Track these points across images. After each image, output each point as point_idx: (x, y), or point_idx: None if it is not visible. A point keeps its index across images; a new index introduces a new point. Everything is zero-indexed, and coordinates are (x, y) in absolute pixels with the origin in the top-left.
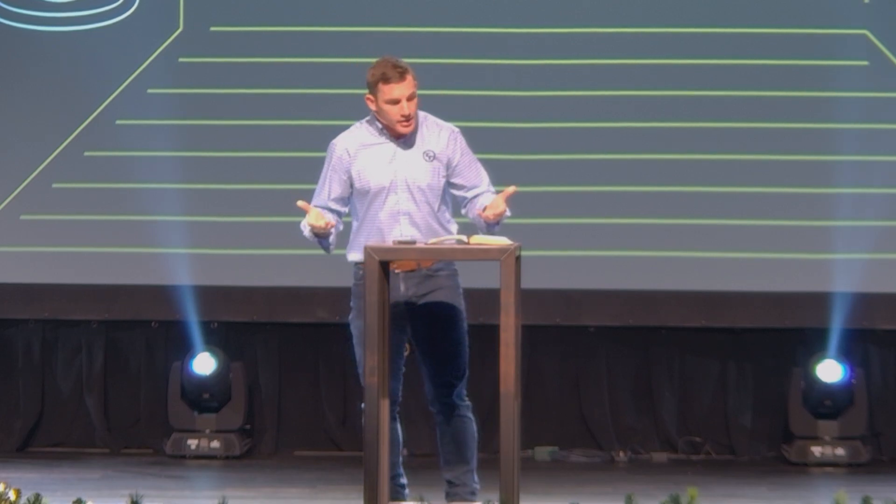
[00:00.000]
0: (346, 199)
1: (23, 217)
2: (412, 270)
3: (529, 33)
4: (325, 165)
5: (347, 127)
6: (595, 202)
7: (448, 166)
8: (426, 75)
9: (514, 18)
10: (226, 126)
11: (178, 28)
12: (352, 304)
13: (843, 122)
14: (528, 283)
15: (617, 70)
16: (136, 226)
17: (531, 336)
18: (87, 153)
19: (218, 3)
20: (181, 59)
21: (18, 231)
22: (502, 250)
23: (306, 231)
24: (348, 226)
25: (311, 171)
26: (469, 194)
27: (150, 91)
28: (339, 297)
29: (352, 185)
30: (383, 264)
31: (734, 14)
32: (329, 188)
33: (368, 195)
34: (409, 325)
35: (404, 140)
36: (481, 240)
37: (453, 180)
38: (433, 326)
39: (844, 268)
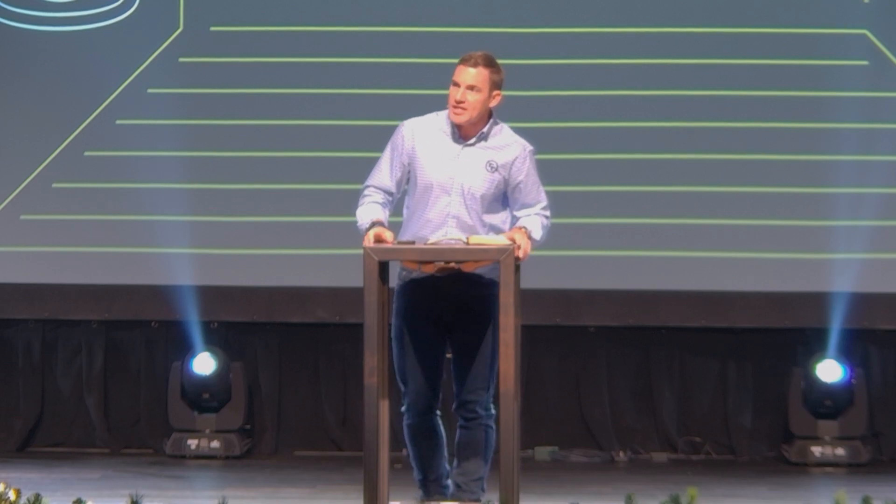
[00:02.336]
0: (403, 185)
1: (23, 217)
2: (451, 272)
3: (529, 33)
4: (389, 146)
5: (347, 127)
6: (595, 202)
7: (507, 182)
8: (426, 75)
9: (513, 18)
10: (226, 126)
11: (178, 28)
12: (394, 301)
13: (843, 122)
14: (528, 283)
15: (617, 70)
16: (136, 226)
17: (531, 336)
18: (87, 153)
19: (218, 3)
20: (181, 59)
21: (18, 231)
22: (501, 250)
23: (364, 225)
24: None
25: (311, 170)
26: (519, 213)
27: (150, 91)
28: (339, 297)
29: (409, 172)
30: (382, 264)
31: (734, 14)
32: (391, 170)
33: (421, 189)
34: (449, 326)
35: (471, 143)
36: (480, 240)
37: (509, 194)
38: (471, 334)
39: (844, 268)
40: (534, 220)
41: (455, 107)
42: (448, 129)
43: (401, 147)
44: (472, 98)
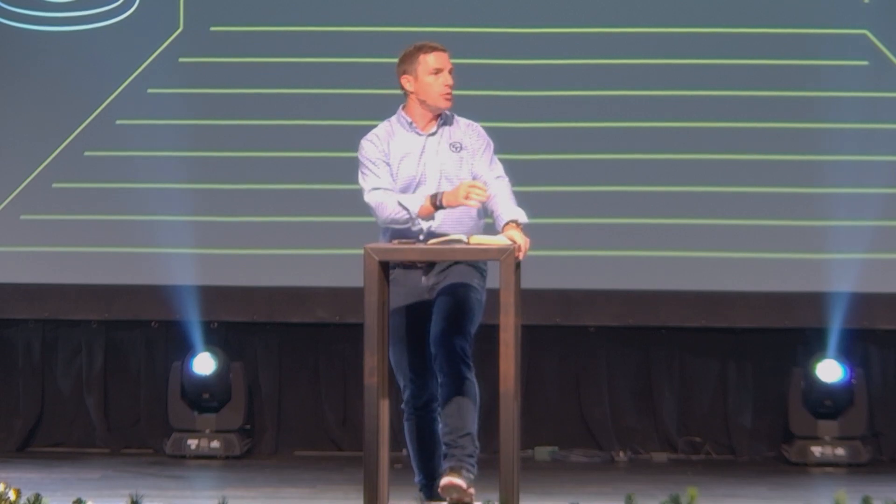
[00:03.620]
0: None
1: (23, 217)
2: (434, 263)
3: (529, 33)
4: (364, 160)
5: (347, 127)
6: (595, 202)
7: (471, 158)
8: None
9: (514, 18)
10: (226, 126)
11: (178, 28)
12: None
13: (843, 122)
14: (528, 283)
15: (617, 70)
16: (136, 226)
17: (531, 336)
18: (87, 153)
19: (218, 3)
20: (181, 59)
21: (18, 231)
22: (502, 250)
23: (415, 208)
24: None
25: (311, 170)
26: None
27: (150, 91)
28: (339, 297)
29: None
30: (383, 264)
31: (734, 14)
32: (383, 170)
33: (398, 188)
34: (433, 304)
35: (433, 133)
36: (481, 240)
37: (473, 169)
38: (448, 287)
39: (844, 268)
40: (506, 203)
41: (449, 96)
42: (406, 129)
43: (375, 152)
44: (452, 82)
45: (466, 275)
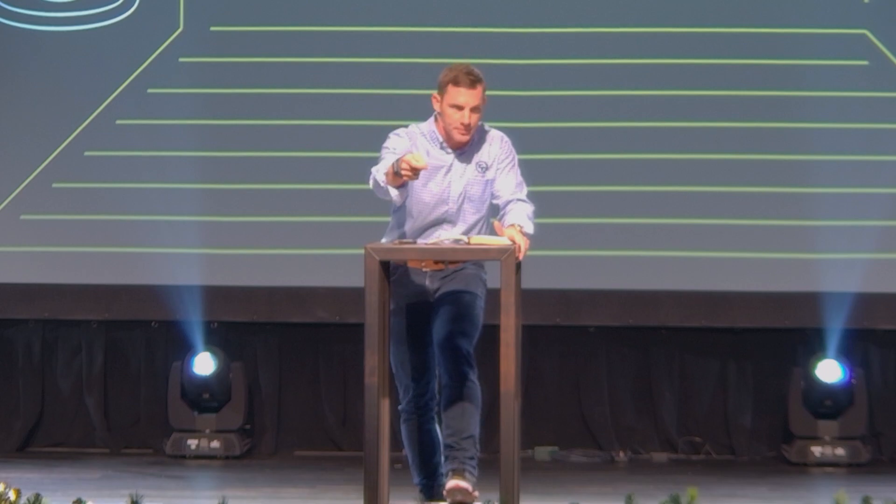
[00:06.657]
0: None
1: (23, 217)
2: (439, 270)
3: (529, 33)
4: (384, 149)
5: (347, 127)
6: (595, 202)
7: (496, 176)
8: (426, 75)
9: (514, 18)
10: (226, 126)
11: (178, 28)
12: None
13: (843, 122)
14: (528, 283)
15: (617, 70)
16: (136, 226)
17: (531, 336)
18: (87, 153)
19: (218, 3)
20: (181, 59)
21: (18, 231)
22: (502, 250)
23: (381, 175)
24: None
25: (311, 170)
26: (498, 201)
27: (150, 91)
28: (339, 297)
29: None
30: (383, 264)
31: (734, 14)
32: (401, 153)
33: (417, 201)
34: (434, 307)
35: (461, 152)
36: (481, 240)
37: (494, 185)
38: (451, 290)
39: (845, 268)
40: (520, 214)
41: (464, 132)
42: (438, 146)
43: (402, 144)
44: (476, 118)
45: (471, 282)
